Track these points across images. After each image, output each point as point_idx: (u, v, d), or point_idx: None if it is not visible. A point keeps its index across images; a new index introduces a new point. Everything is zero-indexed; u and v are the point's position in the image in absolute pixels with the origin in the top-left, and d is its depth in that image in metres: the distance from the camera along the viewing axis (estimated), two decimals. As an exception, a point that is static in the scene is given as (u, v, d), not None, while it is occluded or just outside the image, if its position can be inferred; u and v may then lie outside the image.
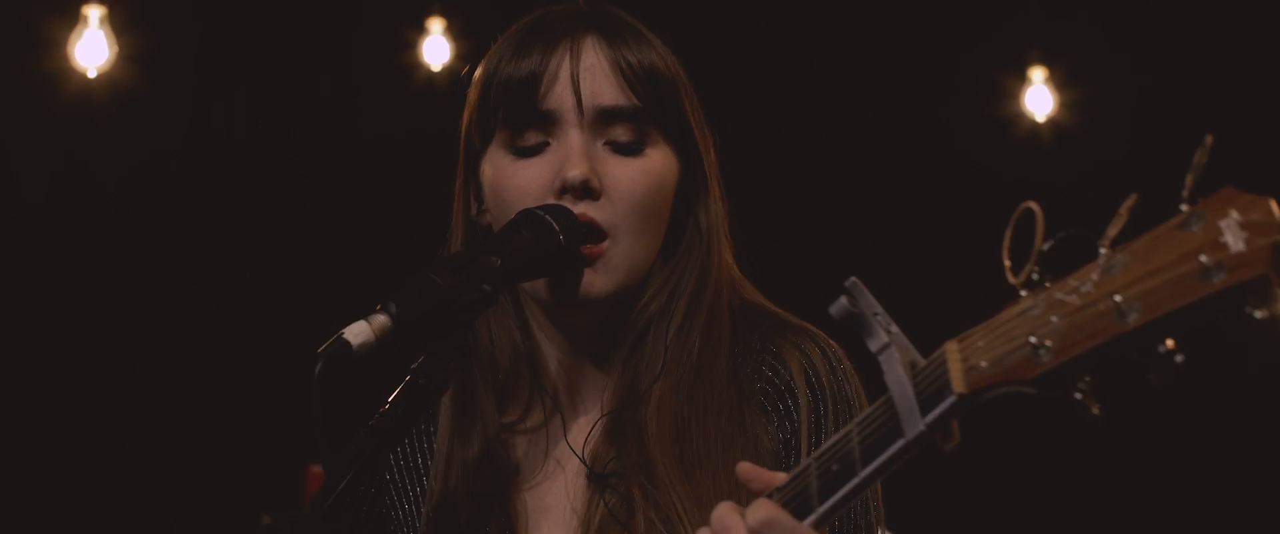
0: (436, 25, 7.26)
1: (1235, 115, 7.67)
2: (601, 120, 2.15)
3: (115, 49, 6.63)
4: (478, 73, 2.23)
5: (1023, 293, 1.46)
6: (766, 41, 7.48)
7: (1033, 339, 1.42)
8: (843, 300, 1.55)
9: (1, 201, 6.99)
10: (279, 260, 7.21)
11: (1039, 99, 7.81)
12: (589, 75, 2.15)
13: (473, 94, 2.23)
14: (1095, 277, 1.40)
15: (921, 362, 1.54)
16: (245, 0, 7.11)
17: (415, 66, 7.23)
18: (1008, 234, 1.46)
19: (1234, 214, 1.35)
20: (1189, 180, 1.40)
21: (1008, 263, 1.47)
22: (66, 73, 6.66)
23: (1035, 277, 1.47)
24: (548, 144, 2.15)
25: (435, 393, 1.96)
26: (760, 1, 7.48)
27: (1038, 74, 7.81)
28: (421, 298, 1.93)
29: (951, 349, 1.50)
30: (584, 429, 2.23)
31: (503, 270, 2.01)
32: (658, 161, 2.18)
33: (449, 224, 2.31)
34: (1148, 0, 7.65)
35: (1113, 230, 1.43)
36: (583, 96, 2.14)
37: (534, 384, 2.26)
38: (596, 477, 2.16)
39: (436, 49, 7.22)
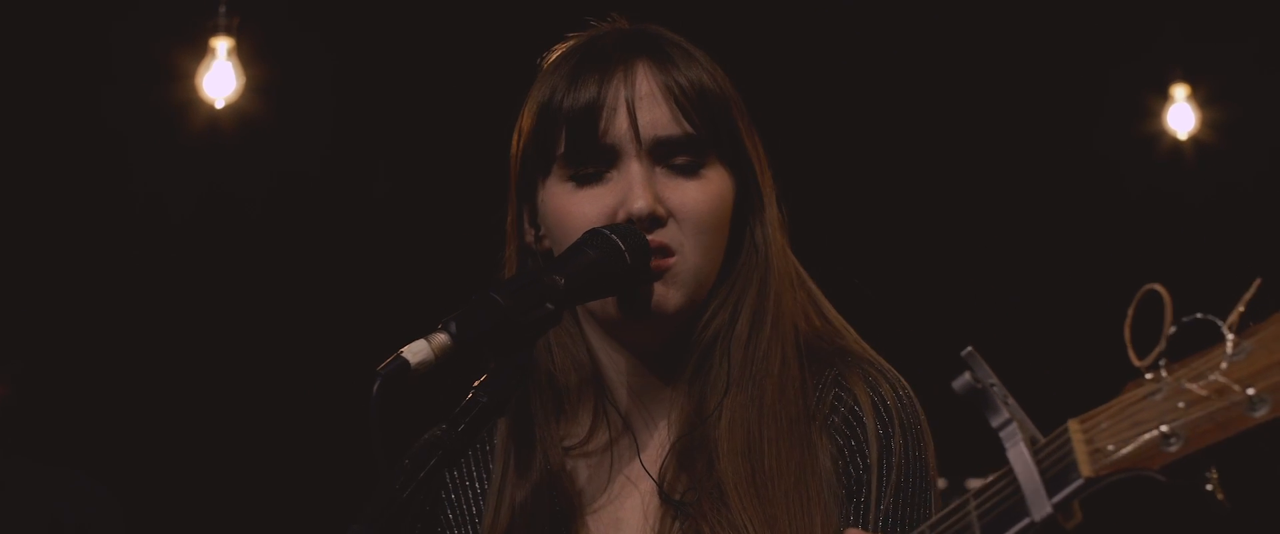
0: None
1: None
2: (659, 149, 2.15)
3: (242, 80, 6.68)
4: (532, 100, 2.22)
5: (1147, 375, 1.38)
6: (919, 63, 7.44)
7: (1164, 428, 1.36)
8: (966, 376, 1.49)
9: (132, 224, 7.07)
10: (408, 284, 7.23)
11: (1181, 117, 7.76)
12: (645, 104, 2.14)
13: (527, 121, 2.22)
14: (1224, 364, 1.33)
15: (1040, 439, 1.49)
16: (370, 32, 7.14)
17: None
18: (1129, 315, 1.38)
19: None
20: None
21: (1130, 346, 1.38)
22: (195, 103, 6.72)
23: (1161, 361, 1.40)
24: (608, 173, 2.15)
25: (497, 411, 1.95)
26: (912, 25, 7.42)
27: (1180, 92, 7.77)
28: (482, 317, 1.92)
29: (1074, 429, 1.45)
30: (654, 448, 2.22)
31: (567, 289, 2.00)
32: (716, 182, 2.17)
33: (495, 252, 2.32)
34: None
35: (1236, 315, 1.35)
36: (640, 127, 2.14)
37: (599, 404, 2.25)
38: (671, 502, 2.14)
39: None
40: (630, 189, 2.12)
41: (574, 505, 2.22)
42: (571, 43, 2.26)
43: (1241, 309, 1.35)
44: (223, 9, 6.65)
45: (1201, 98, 7.73)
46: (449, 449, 1.91)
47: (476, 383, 1.95)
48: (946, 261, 7.59)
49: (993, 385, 1.50)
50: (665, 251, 2.12)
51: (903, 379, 2.19)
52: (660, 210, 2.12)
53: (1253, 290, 1.35)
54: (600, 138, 2.14)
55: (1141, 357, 1.42)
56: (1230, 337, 1.35)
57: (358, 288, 7.19)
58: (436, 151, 7.24)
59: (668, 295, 2.13)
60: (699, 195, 2.15)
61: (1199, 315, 1.34)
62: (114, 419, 6.98)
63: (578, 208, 2.15)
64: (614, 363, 2.24)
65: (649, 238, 2.11)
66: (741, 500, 2.08)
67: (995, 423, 1.48)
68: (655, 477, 2.18)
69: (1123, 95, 7.73)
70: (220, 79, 6.68)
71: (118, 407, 7.02)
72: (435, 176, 7.20)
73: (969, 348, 1.51)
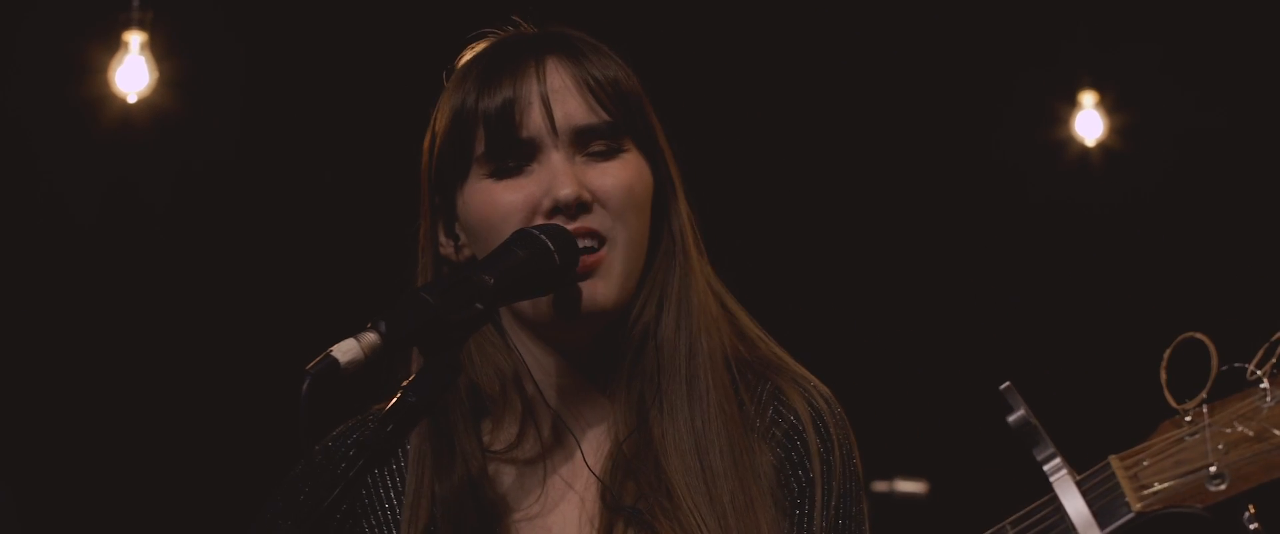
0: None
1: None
2: (577, 138, 2.17)
3: (155, 75, 6.60)
4: (444, 109, 2.24)
5: (1187, 418, 1.43)
6: (821, 65, 7.46)
7: (1212, 468, 1.45)
8: (1021, 412, 1.55)
9: (44, 222, 6.99)
10: (319, 282, 7.18)
11: (1089, 123, 7.80)
12: (558, 97, 2.17)
13: (441, 127, 2.23)
14: (1263, 410, 1.39)
15: (1077, 473, 1.57)
16: (284, 28, 7.11)
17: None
18: (1165, 359, 1.44)
19: None
20: None
21: (1166, 388, 1.44)
22: (107, 98, 6.63)
23: (1204, 403, 1.46)
24: (529, 166, 2.17)
25: (426, 411, 1.96)
26: (815, 24, 7.45)
27: (1088, 98, 7.81)
28: (412, 316, 1.92)
29: (1116, 465, 1.54)
30: (593, 451, 2.22)
31: (496, 288, 2.01)
32: (635, 165, 2.21)
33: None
34: (1199, 26, 7.62)
35: (1269, 365, 1.41)
36: (556, 119, 2.16)
37: (527, 410, 2.24)
38: (621, 508, 2.14)
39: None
40: (555, 177, 2.14)
41: (502, 512, 2.21)
42: (479, 48, 2.28)
43: (1274, 361, 1.40)
44: (135, 2, 6.57)
45: (1109, 104, 7.79)
46: (378, 450, 1.92)
47: (405, 383, 1.95)
48: (848, 267, 7.63)
49: (1028, 415, 1.56)
50: (594, 237, 2.14)
51: (829, 391, 2.24)
52: (586, 195, 2.14)
53: None
54: (518, 133, 2.16)
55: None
56: (1265, 384, 1.40)
57: (272, 283, 7.13)
58: (351, 146, 7.21)
59: (598, 290, 2.14)
60: (622, 175, 2.17)
61: (1235, 364, 1.38)
62: (29, 417, 6.88)
63: (501, 198, 2.16)
64: (543, 365, 2.24)
65: (578, 225, 2.13)
66: (692, 500, 2.10)
67: (1041, 456, 1.55)
68: (602, 480, 2.17)
69: (1029, 101, 7.79)
70: (133, 73, 6.59)
71: (33, 405, 6.91)
72: (351, 171, 7.17)
73: (1007, 383, 1.56)
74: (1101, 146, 7.81)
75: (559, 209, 2.13)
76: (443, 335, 1.95)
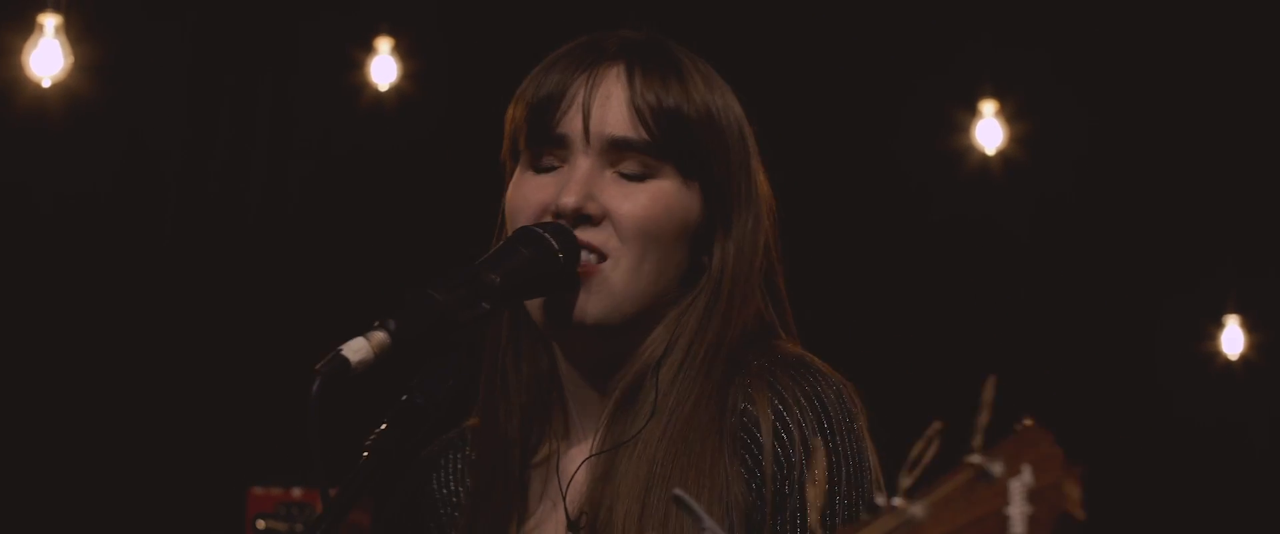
0: (384, 45, 7.23)
1: (1182, 147, 7.81)
2: (611, 149, 2.12)
3: (71, 59, 6.44)
4: (521, 91, 2.21)
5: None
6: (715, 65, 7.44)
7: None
8: None
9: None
10: (221, 279, 7.10)
11: (989, 132, 7.83)
12: (601, 105, 2.12)
13: (509, 115, 2.21)
14: None
15: None
16: (201, 16, 6.97)
17: (363, 86, 7.20)
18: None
19: (1027, 473, 1.23)
20: (980, 420, 1.27)
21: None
22: (20, 82, 6.47)
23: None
24: (562, 166, 2.14)
25: (432, 412, 1.94)
26: (710, 27, 7.44)
27: (989, 107, 7.83)
28: (420, 315, 1.90)
29: None
30: (569, 467, 2.20)
31: (501, 288, 1.98)
32: (668, 195, 2.13)
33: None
34: (1099, 35, 7.74)
35: (907, 480, 1.28)
36: (591, 124, 2.12)
37: (551, 416, 2.23)
38: (572, 525, 2.13)
39: (384, 68, 7.21)
40: (567, 183, 2.09)
41: (510, 522, 2.21)
42: (573, 42, 2.24)
43: (917, 470, 1.29)
44: (51, -17, 6.40)
45: (1010, 112, 7.83)
46: (385, 452, 1.90)
47: (410, 384, 1.96)
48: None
49: None
50: (594, 253, 2.09)
51: (837, 376, 2.15)
52: (592, 208, 2.09)
53: (931, 451, 1.31)
54: (553, 127, 2.13)
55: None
56: (897, 501, 1.29)
57: (190, 273, 7.04)
58: (272, 129, 7.14)
59: (587, 305, 2.09)
60: (642, 201, 2.11)
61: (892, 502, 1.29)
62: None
63: (520, 192, 2.14)
64: (567, 371, 2.22)
65: (579, 236, 2.08)
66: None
67: None
68: (565, 496, 2.17)
69: (928, 109, 7.83)
70: (47, 57, 6.42)
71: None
72: (273, 155, 7.11)
73: None
74: (1001, 155, 7.86)
75: (561, 215, 2.09)
76: (450, 335, 1.93)
